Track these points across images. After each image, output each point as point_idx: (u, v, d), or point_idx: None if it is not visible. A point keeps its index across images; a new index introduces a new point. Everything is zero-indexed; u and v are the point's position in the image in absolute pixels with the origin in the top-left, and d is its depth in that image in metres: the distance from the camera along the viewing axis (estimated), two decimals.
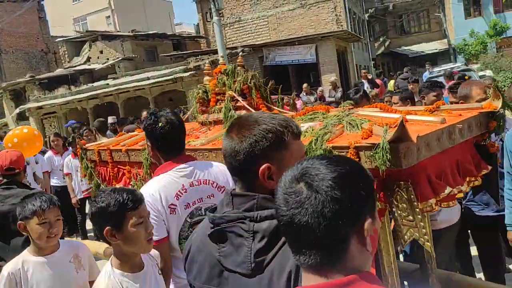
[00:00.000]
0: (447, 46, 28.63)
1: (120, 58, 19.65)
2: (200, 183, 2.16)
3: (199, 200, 2.15)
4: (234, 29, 21.98)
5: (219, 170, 2.21)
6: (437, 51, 28.93)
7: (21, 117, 19.87)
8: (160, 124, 2.15)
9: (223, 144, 1.36)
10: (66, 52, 23.17)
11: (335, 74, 16.77)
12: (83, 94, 16.89)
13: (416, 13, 32.30)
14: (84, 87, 17.49)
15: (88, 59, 21.83)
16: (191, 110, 3.47)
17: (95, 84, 18.04)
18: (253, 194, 1.23)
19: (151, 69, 17.63)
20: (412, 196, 1.77)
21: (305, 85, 12.93)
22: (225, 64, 3.33)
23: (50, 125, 18.96)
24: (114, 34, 20.88)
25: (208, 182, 2.18)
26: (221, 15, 15.04)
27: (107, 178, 3.96)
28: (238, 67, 3.20)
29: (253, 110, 3.07)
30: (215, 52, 17.31)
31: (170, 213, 2.08)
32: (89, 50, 21.89)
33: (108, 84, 16.73)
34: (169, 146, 2.20)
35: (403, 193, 1.79)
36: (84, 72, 20.71)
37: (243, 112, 3.02)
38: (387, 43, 32.59)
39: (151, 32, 21.49)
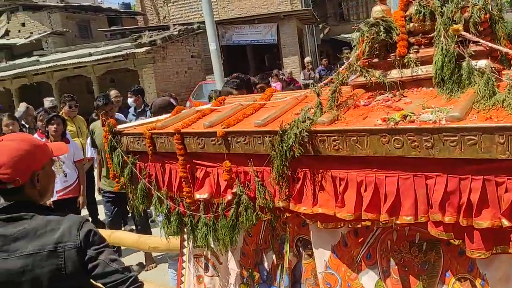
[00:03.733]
0: None
1: (48, 32, 16.94)
2: None
3: None
4: (179, 5, 20.03)
5: None
6: None
7: None
8: None
9: None
10: None
11: (297, 56, 15.69)
12: (6, 72, 14.19)
13: (355, 1, 32.36)
14: (7, 64, 14.74)
15: (7, 32, 18.69)
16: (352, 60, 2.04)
17: (20, 61, 15.31)
18: None
19: (89, 45, 15.31)
20: None
21: (307, 59, 11.72)
22: None
23: None
24: (40, 4, 18.00)
25: None
26: None
27: (167, 182, 2.43)
28: None
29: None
30: (156, 29, 15.42)
31: None
32: (8, 22, 18.76)
33: (38, 60, 14.18)
34: None
35: None
36: (2, 48, 17.66)
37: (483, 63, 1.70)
38: (326, 30, 32.34)
39: (85, 4, 18.87)
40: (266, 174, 1.99)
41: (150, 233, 4.92)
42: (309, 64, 11.72)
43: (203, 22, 16.29)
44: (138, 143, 2.47)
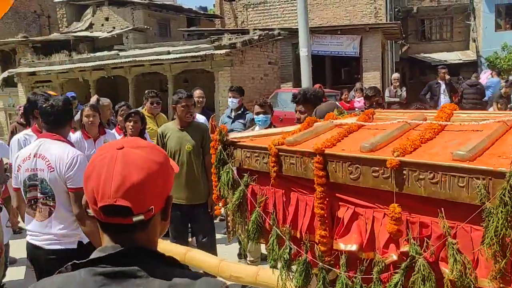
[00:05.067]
0: (472, 57, 27.13)
1: (129, 28, 17.19)
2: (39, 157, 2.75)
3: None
4: (258, 11, 19.74)
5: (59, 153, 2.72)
6: (461, 61, 27.45)
7: (8, 83, 17.23)
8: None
9: None
10: (65, 16, 20.50)
11: (378, 72, 14.80)
12: (87, 63, 14.44)
13: (440, 20, 30.75)
14: (89, 56, 15.04)
15: (91, 25, 19.25)
16: None
17: (101, 53, 15.60)
18: None
19: (167, 43, 15.28)
20: None
21: (395, 75, 10.84)
22: None
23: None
24: (125, 0, 18.36)
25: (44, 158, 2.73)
26: None
27: (291, 217, 1.84)
28: None
29: None
30: (236, 32, 15.12)
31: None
32: (93, 16, 19.32)
33: (118, 54, 14.31)
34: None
35: None
36: (85, 40, 18.15)
37: None
38: (405, 48, 30.96)
39: (167, 3, 19.06)
40: (464, 234, 1.33)
41: (215, 245, 4.25)
42: (396, 81, 10.81)
43: (284, 29, 15.88)
44: (258, 160, 1.90)
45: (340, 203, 1.66)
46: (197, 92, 6.01)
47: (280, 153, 1.79)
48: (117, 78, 15.14)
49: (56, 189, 2.78)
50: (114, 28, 18.23)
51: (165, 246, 3.62)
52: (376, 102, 3.90)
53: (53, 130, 2.87)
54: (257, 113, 4.48)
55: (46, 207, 2.81)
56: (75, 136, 4.95)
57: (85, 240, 2.82)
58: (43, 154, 2.79)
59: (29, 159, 2.82)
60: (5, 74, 16.45)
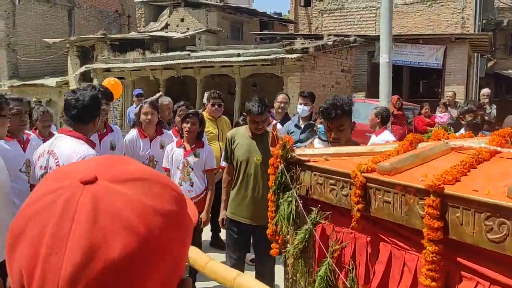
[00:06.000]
0: None
1: (203, 29, 17.19)
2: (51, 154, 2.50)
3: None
4: (334, 17, 19.03)
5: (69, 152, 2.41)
6: None
7: (85, 78, 17.87)
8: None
9: None
10: (143, 16, 21.03)
11: (463, 86, 13.55)
12: (159, 62, 14.54)
13: None
14: (161, 55, 15.16)
15: (166, 26, 19.56)
16: None
17: (173, 53, 15.68)
18: None
19: (238, 46, 15.04)
20: None
21: (485, 90, 9.77)
22: None
23: None
24: (200, 1, 18.43)
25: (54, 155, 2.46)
26: None
27: (380, 278, 1.22)
28: None
29: None
30: (309, 37, 14.52)
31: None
32: (169, 16, 19.62)
33: (189, 55, 14.27)
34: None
35: None
36: (160, 40, 18.44)
37: None
38: (491, 63, 28.75)
39: (242, 6, 18.91)
40: None
41: (273, 276, 3.69)
42: (486, 97, 9.70)
43: (360, 36, 15.08)
44: (334, 190, 1.33)
45: (464, 274, 1.05)
46: (281, 97, 5.43)
47: (368, 184, 1.22)
48: (187, 78, 15.12)
49: None
50: (188, 29, 18.35)
51: (215, 267, 3.10)
52: (481, 117, 3.18)
53: (73, 125, 2.53)
54: (300, 104, 4.48)
55: None
56: (131, 134, 4.65)
57: None
58: (55, 151, 2.47)
59: (43, 156, 2.53)
60: (83, 69, 17.05)
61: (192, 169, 4.25)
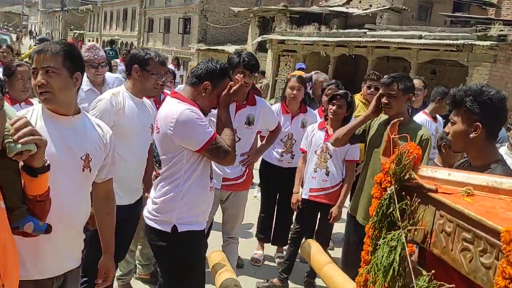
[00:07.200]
0: None
1: (386, 7, 16.03)
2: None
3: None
4: None
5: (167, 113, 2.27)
6: None
7: (261, 48, 18.43)
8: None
9: None
10: None
11: None
12: (332, 38, 14.05)
13: None
14: (336, 32, 14.63)
15: (348, 1, 18.83)
16: None
17: (348, 31, 15.01)
18: None
19: (422, 28, 13.59)
20: None
21: None
22: None
23: (285, 64, 16.95)
24: None
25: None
26: None
27: None
28: None
29: None
30: (510, 24, 12.21)
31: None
32: None
33: (365, 33, 13.43)
34: None
35: None
36: (339, 15, 17.87)
37: None
38: None
39: None
40: None
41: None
42: None
43: None
44: (468, 250, 0.74)
45: None
46: (416, 82, 4.55)
47: None
48: (359, 58, 14.36)
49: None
50: (370, 6, 17.34)
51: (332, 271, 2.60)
52: None
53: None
54: None
55: None
56: (274, 107, 4.34)
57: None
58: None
59: None
60: (259, 39, 17.57)
61: (331, 156, 3.75)
